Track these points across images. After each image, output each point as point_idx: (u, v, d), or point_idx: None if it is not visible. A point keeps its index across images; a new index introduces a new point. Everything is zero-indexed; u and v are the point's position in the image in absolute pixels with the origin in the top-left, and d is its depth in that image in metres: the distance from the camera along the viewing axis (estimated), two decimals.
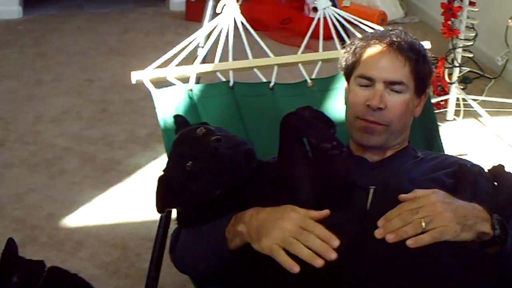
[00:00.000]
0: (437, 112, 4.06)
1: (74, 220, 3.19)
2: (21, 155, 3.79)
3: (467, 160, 1.98)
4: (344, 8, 5.61)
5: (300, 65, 2.42)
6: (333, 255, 1.45)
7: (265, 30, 5.54)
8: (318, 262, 1.44)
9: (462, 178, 1.83)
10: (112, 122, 4.18)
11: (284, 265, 1.46)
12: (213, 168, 1.64)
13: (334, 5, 2.56)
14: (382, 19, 5.85)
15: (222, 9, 2.46)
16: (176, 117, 1.99)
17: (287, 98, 2.36)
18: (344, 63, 2.06)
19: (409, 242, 1.42)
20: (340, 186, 1.69)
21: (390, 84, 1.90)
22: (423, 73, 1.97)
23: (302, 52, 2.47)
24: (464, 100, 4.23)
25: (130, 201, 3.31)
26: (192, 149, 1.67)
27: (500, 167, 1.89)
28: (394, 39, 1.95)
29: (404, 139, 2.02)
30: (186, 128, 1.84)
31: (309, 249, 1.47)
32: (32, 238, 3.05)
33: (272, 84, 2.35)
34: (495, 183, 1.86)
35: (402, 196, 1.53)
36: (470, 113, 4.30)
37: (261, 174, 1.74)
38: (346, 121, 2.02)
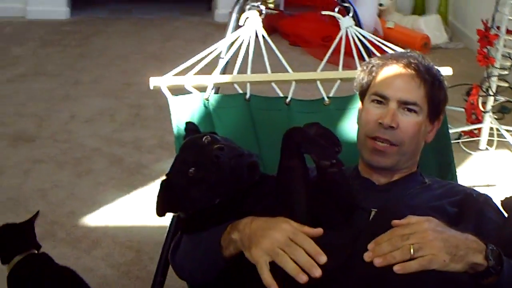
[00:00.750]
0: (469, 141, 4.07)
1: (94, 219, 3.25)
2: (51, 152, 3.87)
3: (475, 190, 1.96)
4: (387, 30, 5.65)
5: (318, 82, 2.43)
6: (317, 273, 1.44)
7: (306, 46, 5.58)
8: (302, 278, 1.44)
9: (466, 207, 1.81)
10: (143, 126, 4.25)
11: (264, 282, 1.47)
12: (214, 176, 1.64)
13: (358, 25, 2.56)
14: (425, 43, 5.82)
15: (244, 21, 2.47)
16: (188, 123, 2.01)
17: (302, 114, 2.36)
18: (359, 82, 2.07)
19: (396, 268, 1.40)
20: (340, 206, 1.69)
21: (403, 104, 1.90)
22: (437, 98, 1.96)
23: (322, 70, 2.48)
24: (497, 130, 4.18)
25: (151, 205, 3.34)
26: (195, 156, 1.69)
27: None
28: (412, 60, 1.95)
29: (413, 163, 2.01)
30: (194, 135, 1.86)
31: (296, 263, 1.47)
32: (51, 234, 3.11)
33: (288, 99, 2.36)
34: (506, 215, 1.83)
35: (395, 221, 1.51)
36: (504, 144, 4.23)
37: (264, 187, 1.74)
38: (358, 141, 2.02)
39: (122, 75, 5.07)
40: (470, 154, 4.08)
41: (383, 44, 2.51)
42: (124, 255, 2.99)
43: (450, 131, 4.03)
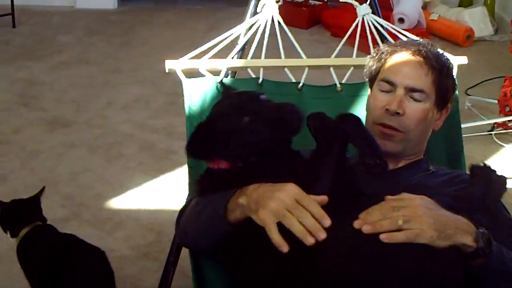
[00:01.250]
0: (503, 133, 4.01)
1: (119, 202, 3.33)
2: (84, 137, 3.97)
3: None
4: (430, 22, 5.60)
5: (331, 68, 2.43)
6: (322, 235, 1.46)
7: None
8: (309, 240, 1.46)
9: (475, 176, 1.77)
10: (177, 114, 4.29)
11: (274, 242, 1.49)
12: (267, 132, 1.64)
13: (375, 13, 2.56)
14: (468, 35, 5.74)
15: (262, 8, 2.50)
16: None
17: (314, 100, 2.37)
18: (368, 68, 2.08)
19: (383, 237, 1.42)
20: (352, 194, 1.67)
21: (410, 91, 1.90)
22: (445, 86, 1.96)
23: (336, 56, 2.49)
24: None
25: (177, 190, 3.41)
26: (254, 106, 1.68)
27: None
28: (421, 48, 1.95)
29: (420, 150, 2.01)
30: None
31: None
32: (76, 215, 3.20)
33: (300, 84, 2.38)
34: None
35: (389, 196, 1.52)
36: None
37: (287, 161, 1.73)
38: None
39: (162, 64, 5.09)
40: (503, 146, 4.03)
41: (399, 32, 2.49)
42: (145, 237, 3.05)
43: (483, 122, 4.03)
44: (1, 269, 2.81)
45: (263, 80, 2.37)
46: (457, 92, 2.29)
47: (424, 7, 6.08)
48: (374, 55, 2.08)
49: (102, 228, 3.11)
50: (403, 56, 1.96)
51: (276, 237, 1.49)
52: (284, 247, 1.47)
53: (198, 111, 2.27)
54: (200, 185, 1.79)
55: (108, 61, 5.21)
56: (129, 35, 5.80)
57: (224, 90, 2.02)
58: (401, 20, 5.83)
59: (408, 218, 1.44)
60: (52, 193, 3.36)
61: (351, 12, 6.12)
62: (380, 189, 1.77)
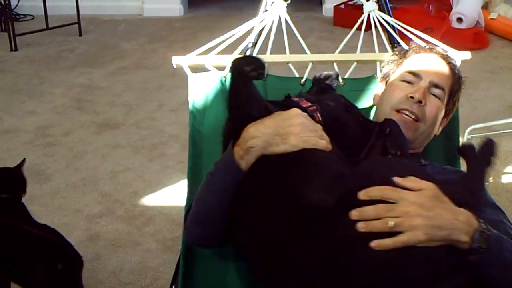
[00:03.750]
0: None
1: (153, 199, 3.44)
2: (131, 138, 4.12)
3: None
4: (489, 21, 5.53)
5: (335, 64, 2.46)
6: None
7: (405, 38, 5.55)
8: (330, 147, 1.64)
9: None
10: None
11: (319, 145, 1.62)
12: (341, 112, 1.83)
13: (383, 9, 2.57)
14: None
15: (271, 5, 2.56)
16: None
17: None
18: (389, 61, 2.15)
19: (373, 244, 1.42)
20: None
21: (434, 86, 1.96)
22: (456, 95, 2.05)
23: (339, 52, 2.51)
24: None
25: None
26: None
27: None
28: (446, 53, 2.07)
29: (420, 147, 2.04)
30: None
31: None
32: (110, 211, 3.33)
33: (304, 79, 2.42)
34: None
35: (397, 178, 1.50)
36: None
37: None
38: (377, 116, 2.05)
39: None
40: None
41: (405, 29, 2.49)
42: (172, 231, 3.14)
43: None
44: None
45: (267, 75, 2.41)
46: None
47: (485, 6, 5.99)
48: (396, 52, 2.17)
49: (132, 223, 3.23)
50: (430, 55, 2.05)
51: (323, 142, 1.64)
52: (330, 145, 1.65)
53: (201, 105, 2.34)
54: None
55: (165, 66, 5.33)
56: (190, 40, 5.95)
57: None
58: (459, 20, 5.78)
59: (400, 220, 1.43)
60: (92, 190, 3.52)
61: (411, 13, 6.13)
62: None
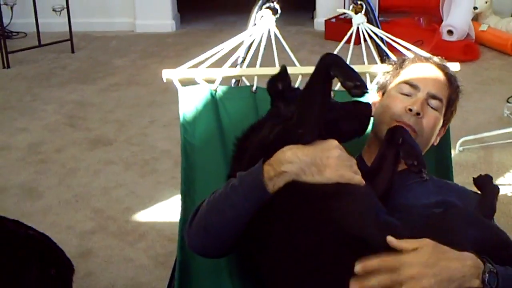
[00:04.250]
0: None
1: (146, 215, 3.43)
2: (123, 154, 4.11)
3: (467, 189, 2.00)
4: (479, 33, 5.57)
5: None
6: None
7: (396, 51, 5.58)
8: (363, 182, 1.65)
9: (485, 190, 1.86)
10: None
11: (354, 180, 1.63)
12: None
13: (371, 22, 2.58)
14: None
15: (260, 19, 2.57)
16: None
17: None
18: (385, 73, 2.16)
19: None
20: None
21: (431, 98, 1.97)
22: (453, 104, 2.06)
23: None
24: None
25: None
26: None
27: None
28: (444, 65, 2.08)
29: None
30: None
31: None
32: (103, 228, 3.32)
33: None
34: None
35: (391, 240, 1.47)
36: None
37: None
38: (376, 125, 2.04)
39: None
40: None
41: (393, 41, 2.51)
42: (165, 247, 3.14)
43: None
44: None
45: (257, 87, 2.43)
46: None
47: (476, 18, 6.03)
48: (393, 63, 2.17)
49: (125, 239, 3.22)
50: (427, 66, 2.06)
51: (357, 178, 1.64)
52: (362, 181, 1.65)
53: (192, 117, 2.34)
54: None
55: (157, 82, 5.28)
56: (182, 56, 5.94)
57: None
58: (450, 32, 5.82)
59: (408, 286, 1.40)
60: (84, 207, 3.51)
61: (402, 26, 6.16)
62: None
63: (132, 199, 3.60)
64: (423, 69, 2.04)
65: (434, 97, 1.96)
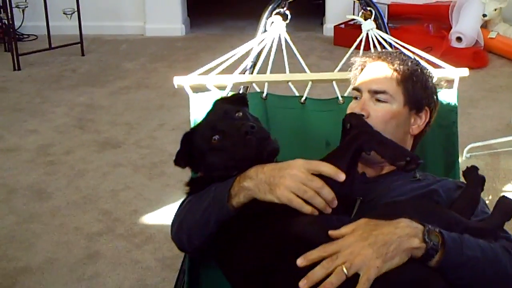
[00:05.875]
0: None
1: (153, 217, 3.45)
2: (131, 157, 4.13)
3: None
4: (488, 40, 5.58)
5: (334, 82, 2.48)
6: (335, 203, 1.60)
7: None
8: (328, 210, 1.58)
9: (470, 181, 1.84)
10: None
11: (303, 210, 1.56)
12: (237, 150, 1.69)
13: (380, 28, 2.60)
14: None
15: (270, 25, 2.59)
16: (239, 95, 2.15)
17: (316, 112, 2.43)
18: (351, 81, 2.16)
19: None
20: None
21: (374, 93, 1.95)
22: (414, 88, 1.98)
23: (338, 71, 2.54)
24: None
25: None
26: (224, 125, 1.71)
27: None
28: (387, 55, 2.03)
29: None
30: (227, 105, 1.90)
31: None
32: (110, 229, 3.34)
33: (303, 98, 2.44)
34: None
35: (331, 232, 1.52)
36: None
37: None
38: None
39: None
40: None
41: (403, 47, 2.51)
42: (172, 249, 3.14)
43: None
44: None
45: (267, 94, 2.44)
46: (455, 105, 2.31)
47: (485, 25, 6.04)
48: (352, 67, 2.14)
49: (132, 241, 3.24)
50: (372, 64, 2.04)
51: (307, 208, 1.56)
52: (316, 211, 1.57)
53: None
54: (191, 185, 1.85)
55: (167, 85, 5.32)
56: (191, 60, 5.99)
57: (214, 103, 2.06)
58: (459, 39, 5.83)
59: (349, 262, 1.43)
60: (92, 209, 3.53)
61: (411, 32, 6.17)
62: (363, 194, 1.83)
63: (140, 201, 3.62)
64: (368, 69, 2.03)
65: (376, 92, 1.94)
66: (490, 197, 3.50)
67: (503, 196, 1.79)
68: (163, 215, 3.47)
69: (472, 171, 1.87)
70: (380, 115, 1.93)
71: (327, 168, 1.59)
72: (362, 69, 2.08)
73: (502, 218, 1.72)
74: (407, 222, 1.50)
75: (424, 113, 2.03)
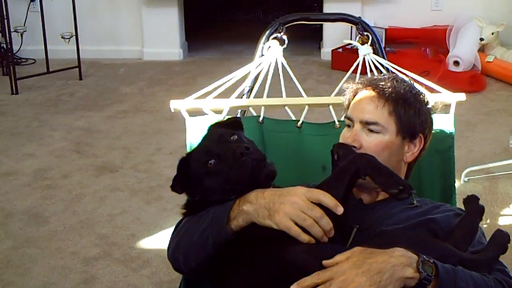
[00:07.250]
0: None
1: (151, 241, 3.44)
2: (129, 181, 4.13)
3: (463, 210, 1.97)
4: (485, 64, 5.59)
5: (330, 107, 2.49)
6: (332, 233, 1.60)
7: None
8: (325, 239, 1.58)
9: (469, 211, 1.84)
10: None
11: (299, 238, 1.57)
12: (233, 172, 1.68)
13: (377, 53, 2.60)
14: None
15: (268, 50, 2.60)
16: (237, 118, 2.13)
17: (313, 137, 2.43)
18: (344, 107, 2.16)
19: None
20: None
21: (366, 124, 1.94)
22: (407, 118, 1.96)
23: (335, 95, 2.54)
24: None
25: None
26: (219, 149, 1.71)
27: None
28: (379, 83, 2.00)
29: None
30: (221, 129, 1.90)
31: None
32: (107, 254, 3.32)
33: (300, 122, 2.44)
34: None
35: (325, 261, 1.53)
36: None
37: None
38: None
39: None
40: None
41: (398, 70, 2.52)
42: (169, 274, 3.14)
43: None
44: None
45: (264, 118, 2.45)
46: (452, 130, 2.31)
47: (482, 49, 6.07)
48: (344, 94, 2.13)
49: (129, 266, 3.22)
50: (361, 93, 2.03)
51: (304, 237, 1.57)
52: (313, 240, 1.57)
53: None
54: (188, 208, 1.86)
55: (164, 109, 5.34)
56: (189, 84, 6.00)
57: (209, 128, 2.06)
58: (456, 63, 5.85)
59: None
60: (89, 233, 3.52)
61: (409, 56, 6.18)
62: (357, 221, 1.82)
63: (137, 225, 3.61)
64: (359, 97, 2.01)
65: (367, 123, 1.93)
66: (488, 221, 3.50)
67: (499, 229, 1.79)
68: (161, 240, 3.45)
69: (472, 200, 1.86)
70: (373, 145, 1.93)
71: (328, 199, 1.59)
72: (354, 95, 2.06)
73: (497, 251, 1.72)
74: (402, 251, 1.51)
75: (418, 140, 2.02)
